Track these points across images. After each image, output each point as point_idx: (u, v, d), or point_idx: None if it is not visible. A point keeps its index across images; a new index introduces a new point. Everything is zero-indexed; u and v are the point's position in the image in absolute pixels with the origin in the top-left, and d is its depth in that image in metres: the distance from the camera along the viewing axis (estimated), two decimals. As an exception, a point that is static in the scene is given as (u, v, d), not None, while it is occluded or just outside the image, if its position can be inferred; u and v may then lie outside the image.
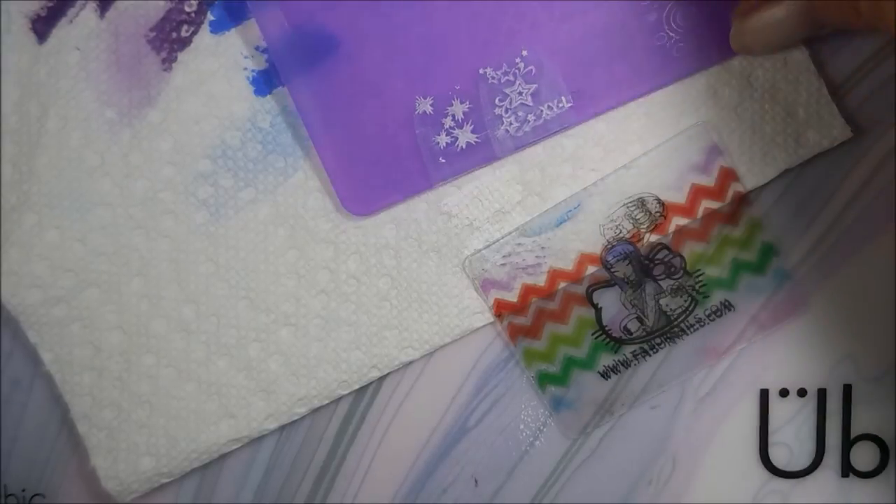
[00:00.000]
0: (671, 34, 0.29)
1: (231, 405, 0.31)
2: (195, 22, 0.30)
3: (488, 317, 0.31)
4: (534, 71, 0.29)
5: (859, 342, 0.31)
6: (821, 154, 0.30)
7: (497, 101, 0.30)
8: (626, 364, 0.31)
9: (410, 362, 0.31)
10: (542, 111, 0.30)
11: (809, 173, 0.31)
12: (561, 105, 0.30)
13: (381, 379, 0.32)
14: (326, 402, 0.31)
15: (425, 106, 0.30)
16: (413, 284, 0.31)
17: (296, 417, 0.31)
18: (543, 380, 0.31)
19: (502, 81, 0.30)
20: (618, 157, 0.30)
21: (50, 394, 0.32)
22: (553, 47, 0.29)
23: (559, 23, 0.29)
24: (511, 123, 0.30)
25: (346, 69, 0.30)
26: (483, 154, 0.30)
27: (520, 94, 0.30)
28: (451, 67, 0.30)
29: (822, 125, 0.30)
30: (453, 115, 0.30)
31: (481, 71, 0.30)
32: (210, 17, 0.30)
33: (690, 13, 0.29)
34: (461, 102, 0.30)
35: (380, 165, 0.30)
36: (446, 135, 0.30)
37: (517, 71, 0.29)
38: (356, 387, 0.31)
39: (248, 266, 0.31)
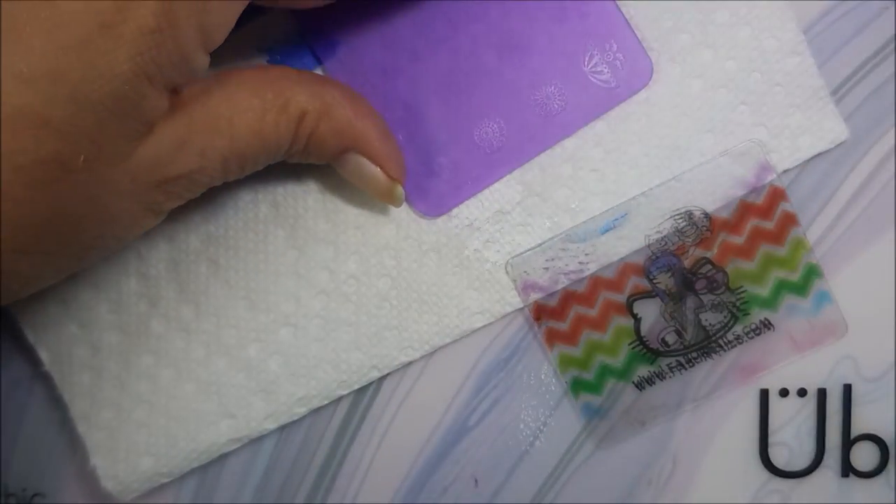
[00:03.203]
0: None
1: (230, 405, 0.31)
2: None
3: (488, 317, 0.31)
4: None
5: (859, 342, 0.31)
6: (819, 155, 0.30)
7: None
8: (661, 376, 0.31)
9: (410, 362, 0.31)
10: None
11: (808, 175, 0.31)
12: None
13: (381, 379, 0.32)
14: (326, 402, 0.31)
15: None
16: (413, 285, 0.31)
17: (295, 417, 0.31)
18: (577, 387, 0.31)
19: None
20: (618, 157, 0.30)
21: (50, 394, 0.32)
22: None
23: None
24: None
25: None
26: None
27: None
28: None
29: (821, 126, 0.30)
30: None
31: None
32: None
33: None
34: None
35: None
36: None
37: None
38: (356, 387, 0.31)
39: (248, 266, 0.31)
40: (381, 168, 0.28)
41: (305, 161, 0.28)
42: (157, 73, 0.22)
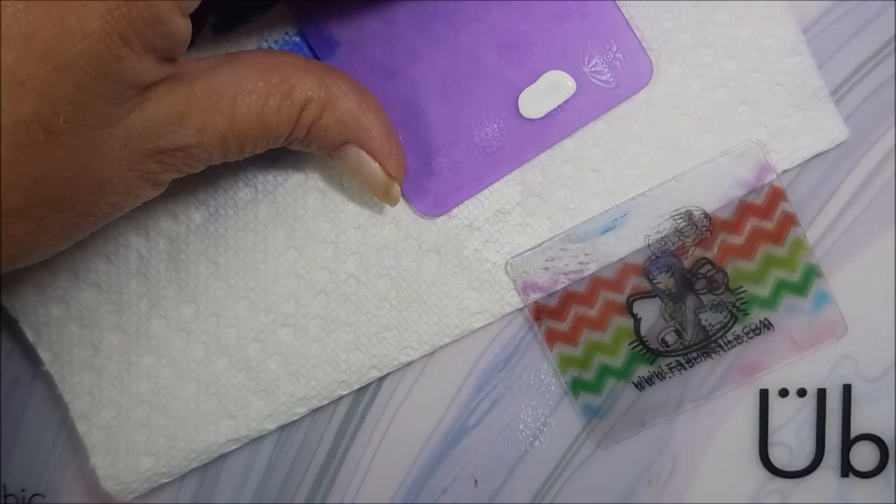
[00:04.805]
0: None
1: (230, 405, 0.31)
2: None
3: (488, 317, 0.31)
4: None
5: (859, 342, 0.31)
6: (819, 155, 0.30)
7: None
8: (660, 376, 0.31)
9: (410, 362, 0.31)
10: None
11: (808, 175, 0.31)
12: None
13: (381, 379, 0.32)
14: (326, 402, 0.31)
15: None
16: (413, 285, 0.31)
17: (295, 417, 0.31)
18: (577, 386, 0.31)
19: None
20: (618, 157, 0.30)
21: (50, 394, 0.32)
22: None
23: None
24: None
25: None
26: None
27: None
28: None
29: (821, 126, 0.30)
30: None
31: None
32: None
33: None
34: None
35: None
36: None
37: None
38: (356, 387, 0.31)
39: (248, 266, 0.31)
40: (380, 164, 0.28)
41: (307, 150, 0.28)
42: (131, 33, 0.21)
